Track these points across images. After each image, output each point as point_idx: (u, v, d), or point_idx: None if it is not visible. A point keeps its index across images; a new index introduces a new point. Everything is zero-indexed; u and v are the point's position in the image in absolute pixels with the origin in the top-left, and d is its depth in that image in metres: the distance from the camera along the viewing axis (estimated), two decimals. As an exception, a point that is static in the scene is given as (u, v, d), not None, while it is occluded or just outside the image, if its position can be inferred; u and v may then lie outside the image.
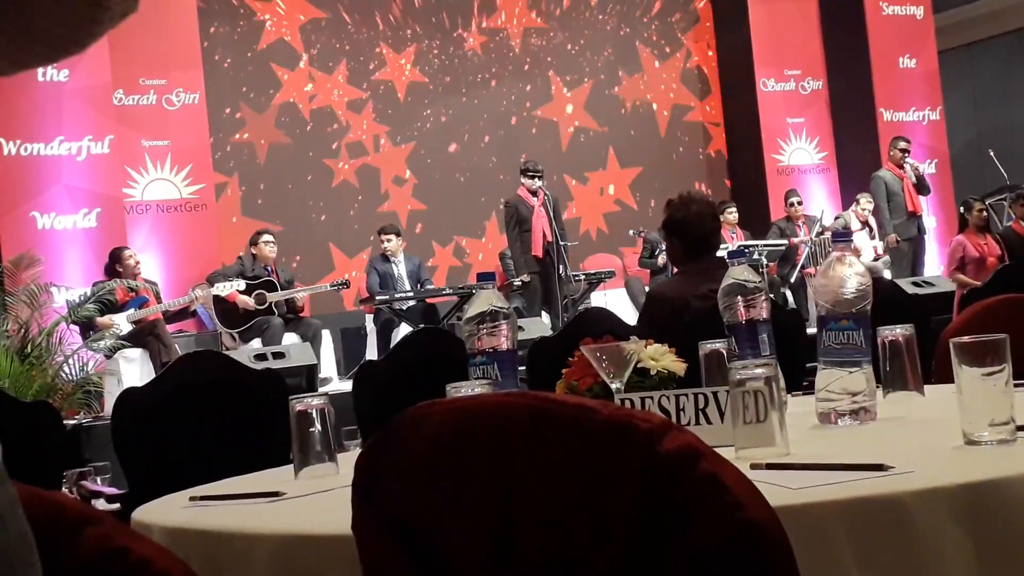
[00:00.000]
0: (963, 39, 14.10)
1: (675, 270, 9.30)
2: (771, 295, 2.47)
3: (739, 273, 2.18)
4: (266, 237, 9.12)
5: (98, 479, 3.80)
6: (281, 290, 8.86)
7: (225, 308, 8.65)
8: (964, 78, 14.06)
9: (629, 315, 7.99)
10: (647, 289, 9.40)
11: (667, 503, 1.10)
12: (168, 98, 9.71)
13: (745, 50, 12.40)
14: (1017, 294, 2.93)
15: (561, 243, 9.08)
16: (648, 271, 10.39)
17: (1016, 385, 1.62)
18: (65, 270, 8.78)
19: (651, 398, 1.90)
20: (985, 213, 9.87)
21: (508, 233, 9.45)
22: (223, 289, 8.53)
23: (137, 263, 8.56)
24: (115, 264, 8.39)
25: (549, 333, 7.41)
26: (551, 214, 9.13)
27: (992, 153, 11.99)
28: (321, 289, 9.28)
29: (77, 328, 8.03)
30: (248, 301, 8.68)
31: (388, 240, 9.63)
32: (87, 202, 9.00)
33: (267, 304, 8.70)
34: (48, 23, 0.79)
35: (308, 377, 7.37)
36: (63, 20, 0.79)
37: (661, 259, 10.02)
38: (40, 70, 8.63)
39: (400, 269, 9.63)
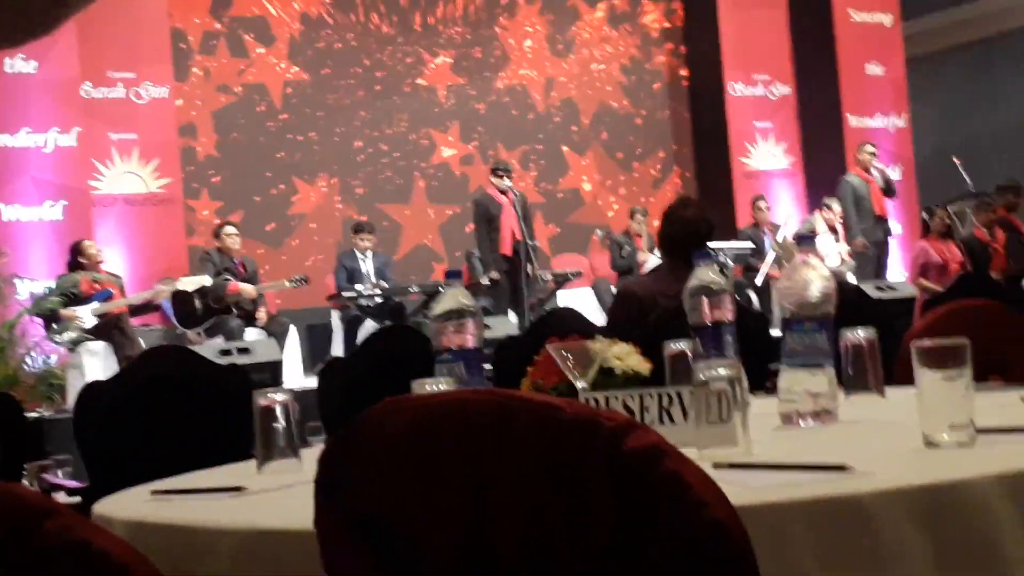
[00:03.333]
0: (931, 47, 14.21)
1: (642, 271, 9.35)
2: (737, 296, 2.48)
3: (705, 274, 2.19)
4: (228, 229, 9.02)
5: (59, 472, 3.78)
6: (245, 283, 8.78)
7: (184, 308, 8.58)
8: (931, 86, 14.16)
9: (596, 315, 8.00)
10: (613, 289, 9.42)
11: (631, 501, 1.11)
12: (136, 91, 9.64)
13: (714, 54, 12.45)
14: (978, 300, 2.96)
15: (530, 243, 9.10)
16: (617, 273, 10.43)
17: (975, 389, 1.64)
18: (30, 262, 8.71)
19: (615, 397, 1.91)
20: (948, 220, 9.96)
21: (477, 231, 9.47)
22: (188, 284, 8.47)
23: (99, 252, 8.50)
24: (77, 257, 8.32)
25: (516, 332, 7.42)
26: (520, 213, 9.15)
27: (958, 161, 12.10)
28: (280, 287, 9.20)
29: (41, 321, 7.97)
30: (250, 289, 8.65)
31: (366, 239, 9.64)
32: (53, 194, 8.93)
33: (225, 303, 8.63)
34: (16, 6, 0.78)
35: (273, 373, 7.35)
36: (30, 4, 0.79)
37: (629, 259, 10.07)
38: (7, 61, 8.57)
39: (368, 266, 9.62)
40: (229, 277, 8.72)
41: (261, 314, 8.76)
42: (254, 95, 11.31)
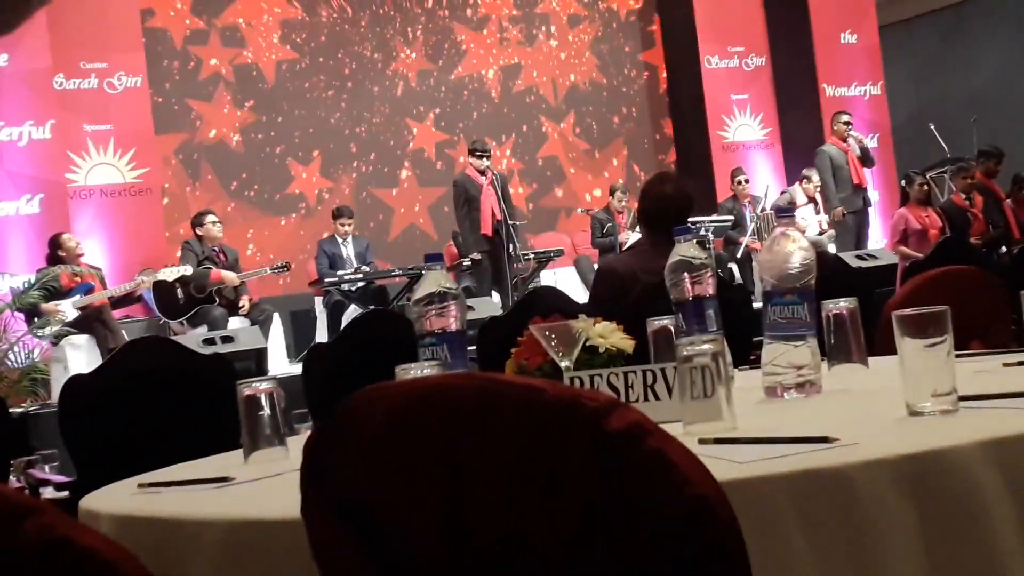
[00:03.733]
0: (902, 14, 14.22)
1: (623, 247, 9.35)
2: (718, 270, 2.49)
3: (685, 250, 2.19)
4: (210, 217, 8.98)
5: (46, 467, 3.75)
6: (227, 271, 8.74)
7: (166, 298, 8.53)
8: (904, 53, 14.18)
9: (578, 293, 8.01)
10: (595, 267, 9.42)
11: (615, 481, 1.11)
12: (110, 81, 9.57)
13: (689, 28, 12.43)
14: (957, 266, 2.97)
15: (510, 222, 9.09)
16: (598, 250, 10.43)
17: (957, 356, 1.64)
18: (9, 257, 8.68)
19: (600, 376, 1.91)
20: (926, 187, 9.98)
21: (457, 212, 9.46)
22: (169, 274, 8.42)
23: (78, 244, 8.45)
24: (56, 250, 8.28)
25: (499, 312, 7.41)
26: (499, 193, 9.14)
27: (933, 127, 12.12)
28: (261, 274, 9.16)
29: (22, 316, 7.93)
30: (232, 277, 8.61)
31: (347, 224, 9.61)
32: (29, 188, 8.88)
33: (207, 292, 8.58)
34: None
35: (258, 361, 7.33)
36: None
37: (610, 237, 10.07)
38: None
39: (349, 250, 9.60)
40: (210, 266, 8.68)
41: (244, 302, 8.73)
42: (239, 85, 11.27)
